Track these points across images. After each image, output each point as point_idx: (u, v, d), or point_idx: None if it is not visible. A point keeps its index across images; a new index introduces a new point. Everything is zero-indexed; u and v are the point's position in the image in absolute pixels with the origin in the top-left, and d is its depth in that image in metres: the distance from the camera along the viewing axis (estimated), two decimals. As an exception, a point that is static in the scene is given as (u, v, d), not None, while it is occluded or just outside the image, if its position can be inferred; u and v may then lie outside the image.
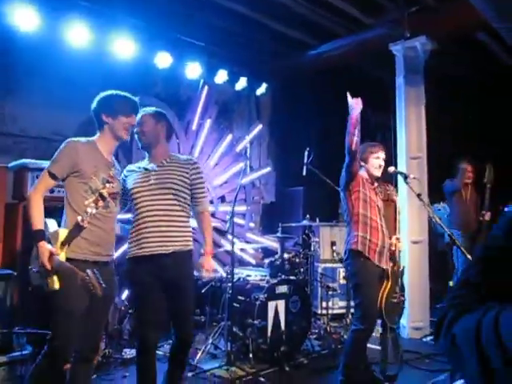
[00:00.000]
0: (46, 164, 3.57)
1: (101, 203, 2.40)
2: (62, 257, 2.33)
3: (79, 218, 2.34)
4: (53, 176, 2.43)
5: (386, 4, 4.85)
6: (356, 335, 3.20)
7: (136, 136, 2.88)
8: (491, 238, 0.88)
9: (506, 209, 0.87)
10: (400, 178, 4.50)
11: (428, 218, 4.92)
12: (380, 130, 6.97)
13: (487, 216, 5.22)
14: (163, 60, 4.95)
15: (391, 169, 3.44)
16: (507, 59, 6.04)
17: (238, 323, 3.97)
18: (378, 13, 5.02)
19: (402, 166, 4.97)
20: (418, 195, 3.29)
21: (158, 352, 4.06)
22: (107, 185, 2.41)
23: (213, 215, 5.66)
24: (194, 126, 5.64)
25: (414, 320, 4.87)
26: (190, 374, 3.64)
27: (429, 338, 4.79)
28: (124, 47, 4.61)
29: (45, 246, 2.29)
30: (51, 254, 2.28)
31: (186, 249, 2.79)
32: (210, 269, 2.87)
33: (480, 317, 0.74)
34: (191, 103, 5.65)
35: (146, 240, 2.70)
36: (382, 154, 3.37)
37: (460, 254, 5.27)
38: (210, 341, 4.09)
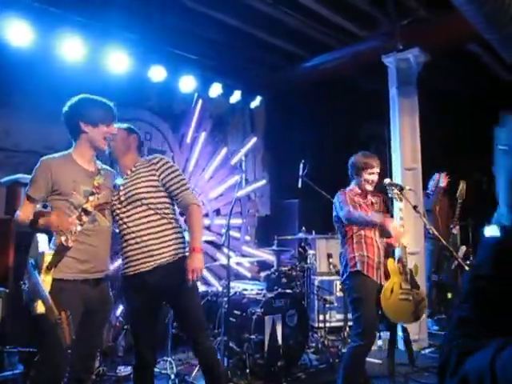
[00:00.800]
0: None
1: (85, 218, 2.28)
2: (48, 280, 2.20)
3: (63, 239, 2.22)
4: (32, 200, 2.35)
5: (379, 16, 4.89)
6: (355, 351, 3.15)
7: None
8: (477, 267, 0.85)
9: (484, 235, 0.83)
10: (395, 190, 4.49)
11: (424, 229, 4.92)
12: (374, 141, 6.99)
13: (455, 230, 5.44)
14: (157, 74, 4.95)
15: (387, 180, 3.42)
16: (499, 71, 6.10)
17: (234, 338, 3.92)
18: (371, 25, 5.06)
19: (397, 177, 4.96)
20: (415, 207, 3.27)
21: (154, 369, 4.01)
22: (90, 198, 2.28)
23: (208, 228, 5.62)
24: (188, 140, 5.64)
25: (411, 332, 4.81)
26: (185, 391, 3.57)
27: (427, 351, 4.74)
28: (118, 61, 4.61)
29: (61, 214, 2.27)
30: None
31: (173, 259, 2.60)
32: (197, 269, 2.51)
33: (492, 355, 0.70)
34: (185, 116, 5.65)
35: (129, 259, 2.61)
36: (377, 170, 3.33)
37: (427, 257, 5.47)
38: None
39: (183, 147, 5.60)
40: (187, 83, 5.28)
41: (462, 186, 5.27)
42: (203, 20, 4.73)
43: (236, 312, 4.03)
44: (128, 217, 2.59)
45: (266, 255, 5.63)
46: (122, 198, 2.60)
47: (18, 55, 4.07)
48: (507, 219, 0.81)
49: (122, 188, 2.62)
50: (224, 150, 6.01)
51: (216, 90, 5.56)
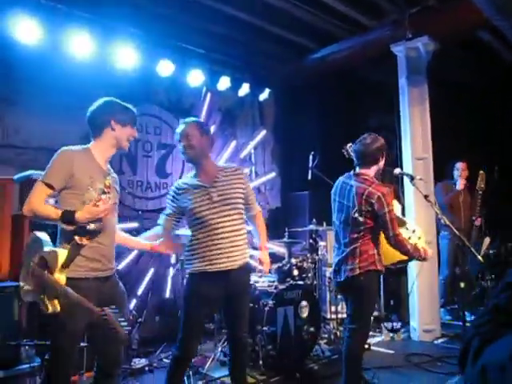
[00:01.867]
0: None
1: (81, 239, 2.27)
2: (62, 279, 2.19)
3: (76, 238, 2.22)
4: (49, 186, 2.28)
5: (387, 5, 4.84)
6: (351, 347, 3.03)
7: (181, 149, 2.81)
8: None
9: None
10: (406, 180, 4.47)
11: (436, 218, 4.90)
12: (384, 131, 6.93)
13: (478, 222, 5.39)
14: (165, 68, 4.96)
15: (397, 170, 3.40)
16: (510, 59, 6.00)
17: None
18: (379, 14, 5.01)
19: (407, 167, 4.93)
20: (425, 196, 3.26)
21: (166, 361, 4.06)
22: (103, 196, 2.26)
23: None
24: (197, 133, 5.64)
25: (424, 322, 4.82)
26: (200, 383, 3.62)
27: (440, 341, 4.74)
28: (126, 57, 4.62)
29: (83, 211, 2.19)
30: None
31: (247, 260, 2.86)
32: (268, 263, 3.03)
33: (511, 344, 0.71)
34: (194, 110, 5.65)
35: (215, 257, 2.69)
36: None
37: (443, 251, 5.48)
38: (220, 348, 4.06)
39: (193, 141, 5.61)
40: (195, 77, 5.28)
41: (482, 176, 5.20)
42: (210, 13, 4.72)
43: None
44: (219, 218, 2.71)
45: (277, 247, 5.63)
46: (216, 199, 2.73)
47: (27, 53, 4.10)
48: None
49: (213, 190, 2.74)
50: (233, 143, 6.01)
51: (224, 83, 5.56)
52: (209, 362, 3.89)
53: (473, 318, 5.18)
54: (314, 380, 3.77)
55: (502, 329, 0.75)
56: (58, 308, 2.16)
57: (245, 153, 6.08)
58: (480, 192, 5.29)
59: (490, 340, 0.75)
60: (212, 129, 5.79)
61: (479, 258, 3.17)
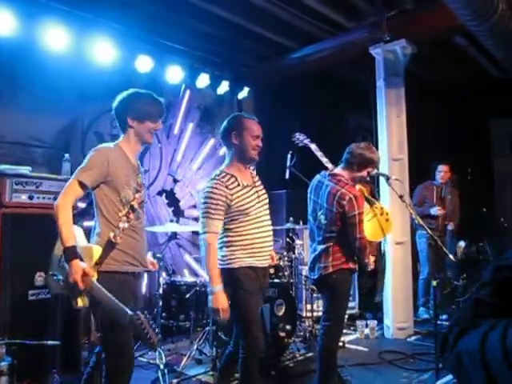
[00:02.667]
0: (24, 170, 3.54)
1: (132, 216, 2.34)
2: (95, 277, 2.22)
3: (111, 235, 2.27)
4: (83, 185, 2.30)
5: (366, 8, 4.90)
6: (325, 344, 3.08)
7: (256, 147, 2.80)
8: (504, 259, 0.88)
9: None
10: (382, 180, 4.54)
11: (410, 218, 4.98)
12: (361, 131, 7.03)
13: (450, 226, 5.52)
14: (144, 64, 4.91)
15: (373, 170, 3.45)
16: (486, 65, 6.16)
17: (223, 328, 3.94)
18: (358, 16, 5.07)
19: (383, 167, 5.00)
20: (401, 196, 3.31)
21: (141, 359, 4.03)
22: (136, 195, 2.36)
23: (196, 220, 5.62)
24: (176, 131, 5.62)
25: (398, 320, 4.90)
26: (175, 381, 3.60)
27: (413, 338, 4.83)
28: (104, 51, 4.56)
29: (78, 265, 2.17)
30: (85, 274, 2.16)
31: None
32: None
33: (486, 331, 0.74)
34: (173, 107, 5.62)
35: (262, 252, 2.73)
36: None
37: (423, 251, 5.52)
38: (195, 346, 4.05)
39: (171, 138, 5.58)
40: (174, 74, 5.24)
41: (453, 180, 5.39)
42: (190, 10, 4.69)
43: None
44: (264, 215, 2.80)
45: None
46: (262, 197, 2.84)
47: (1, 45, 4.01)
48: None
49: (255, 189, 2.82)
50: (212, 141, 6.00)
51: (204, 80, 5.53)
52: (184, 360, 3.88)
53: (445, 316, 5.30)
54: (290, 377, 3.80)
55: (479, 320, 0.78)
56: (87, 303, 2.20)
57: (223, 151, 6.07)
58: (449, 196, 5.46)
59: (467, 329, 0.79)
60: (190, 127, 5.77)
61: (451, 257, 3.24)
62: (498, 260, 0.90)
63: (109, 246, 2.28)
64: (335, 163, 3.36)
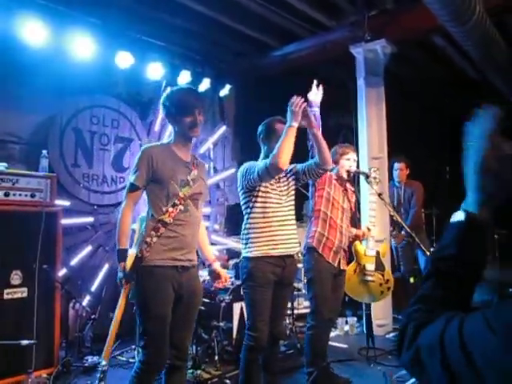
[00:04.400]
0: (0, 166, 3.48)
1: (175, 210, 2.42)
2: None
3: (135, 251, 2.39)
4: (136, 187, 2.45)
5: (347, 7, 4.93)
6: (309, 332, 3.23)
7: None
8: (440, 249, 0.89)
9: (451, 219, 0.90)
10: (362, 178, 4.58)
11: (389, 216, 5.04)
12: (342, 130, 7.08)
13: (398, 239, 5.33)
14: (124, 60, 4.85)
15: (352, 169, 3.49)
16: (464, 65, 6.25)
17: (203, 326, 3.94)
18: (339, 15, 5.10)
19: (363, 165, 5.05)
20: (379, 194, 3.36)
21: (121, 358, 4.00)
22: (183, 189, 2.44)
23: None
24: (156, 127, 5.57)
25: (377, 317, 4.95)
26: (154, 380, 3.57)
27: (391, 335, 4.89)
28: (83, 46, 4.48)
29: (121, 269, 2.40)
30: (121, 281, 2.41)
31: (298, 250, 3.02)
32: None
33: (441, 327, 0.75)
34: (153, 104, 5.56)
35: (279, 241, 2.81)
36: (353, 156, 3.42)
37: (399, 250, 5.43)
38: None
39: (151, 135, 5.52)
40: (155, 70, 5.19)
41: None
42: (171, 6, 4.66)
43: (204, 300, 4.03)
44: (287, 206, 2.91)
45: (235, 244, 5.65)
46: (284, 188, 2.94)
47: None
48: (473, 206, 0.87)
49: (282, 180, 2.94)
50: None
51: (185, 77, 5.49)
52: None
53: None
54: (270, 374, 3.80)
55: (432, 315, 0.79)
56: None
57: (204, 148, 6.05)
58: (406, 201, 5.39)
59: (421, 326, 0.79)
60: (171, 123, 5.73)
61: (428, 253, 3.30)
62: (435, 250, 0.92)
63: (137, 261, 2.38)
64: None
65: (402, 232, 5.18)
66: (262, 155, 3.03)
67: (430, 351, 0.75)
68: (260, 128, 3.09)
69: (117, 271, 2.46)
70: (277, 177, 2.86)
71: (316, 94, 3.11)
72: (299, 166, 2.99)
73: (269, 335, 2.84)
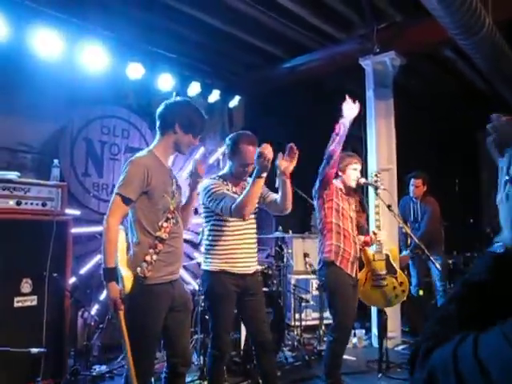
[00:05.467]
0: (11, 175, 3.51)
1: (170, 224, 2.37)
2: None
3: (128, 272, 2.26)
4: (128, 200, 2.28)
5: (356, 20, 4.97)
6: (330, 346, 3.22)
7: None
8: (471, 275, 0.88)
9: (490, 249, 0.90)
10: (370, 189, 4.57)
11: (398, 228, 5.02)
12: (351, 141, 7.07)
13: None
14: (135, 71, 4.91)
15: (362, 180, 3.49)
16: (474, 77, 6.25)
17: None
18: (349, 28, 5.14)
19: (372, 177, 5.04)
20: (389, 206, 3.35)
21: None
22: (172, 201, 2.38)
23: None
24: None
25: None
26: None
27: (400, 347, 4.84)
28: (95, 57, 4.55)
29: (115, 288, 2.23)
30: (115, 302, 2.22)
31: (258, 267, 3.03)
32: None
33: (455, 345, 0.73)
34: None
35: (237, 260, 2.81)
36: (358, 166, 3.42)
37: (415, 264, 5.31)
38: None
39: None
40: (165, 81, 5.25)
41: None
42: (182, 18, 4.72)
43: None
44: (250, 223, 2.89)
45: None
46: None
47: (-8, 49, 3.99)
48: (510, 241, 0.85)
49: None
50: (202, 149, 6.00)
51: (194, 88, 5.55)
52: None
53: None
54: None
55: (449, 336, 0.78)
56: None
57: (213, 159, 6.08)
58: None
59: (436, 345, 0.78)
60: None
61: (437, 266, 3.27)
62: (467, 275, 0.91)
63: (146, 262, 2.30)
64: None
65: (405, 252, 5.13)
66: (226, 169, 2.96)
67: (445, 370, 0.73)
68: (227, 142, 2.93)
69: None
70: None
71: (351, 109, 3.10)
72: (265, 192, 2.96)
73: (255, 345, 2.90)
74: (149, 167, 2.32)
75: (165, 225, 2.35)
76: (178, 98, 2.59)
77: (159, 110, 2.50)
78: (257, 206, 2.86)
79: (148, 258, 2.29)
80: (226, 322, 2.86)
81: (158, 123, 2.50)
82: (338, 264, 3.18)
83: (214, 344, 2.84)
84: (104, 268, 2.24)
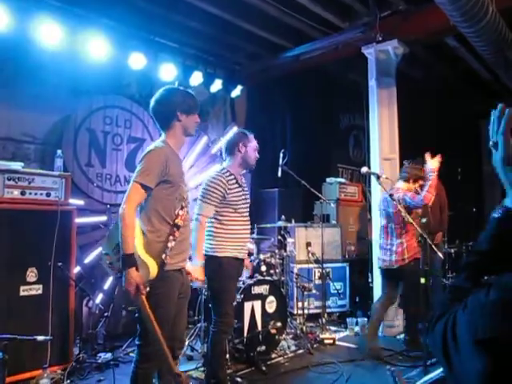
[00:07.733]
0: (16, 165, 3.54)
1: (185, 213, 2.45)
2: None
3: (163, 257, 2.33)
4: (148, 189, 2.33)
5: (359, 8, 4.94)
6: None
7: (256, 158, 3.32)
8: (477, 243, 0.90)
9: (493, 214, 0.90)
10: (373, 178, 4.58)
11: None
12: (354, 130, 7.08)
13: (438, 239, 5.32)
14: (137, 61, 4.90)
15: (364, 169, 3.51)
16: (475, 65, 6.22)
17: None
18: (352, 16, 5.10)
19: (375, 166, 5.05)
20: (391, 195, 3.36)
21: (133, 355, 4.03)
22: (185, 189, 2.50)
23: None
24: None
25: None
26: (166, 377, 3.61)
27: (402, 336, 4.87)
28: (97, 47, 4.54)
29: (135, 274, 2.23)
30: (138, 288, 2.22)
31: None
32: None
33: (450, 315, 0.78)
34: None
35: (243, 245, 3.21)
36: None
37: None
38: (187, 342, 4.07)
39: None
40: (168, 71, 5.24)
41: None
42: (184, 8, 4.70)
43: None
44: (247, 212, 3.25)
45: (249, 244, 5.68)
46: (248, 199, 3.29)
47: (-6, 40, 3.99)
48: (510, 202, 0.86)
49: (245, 190, 3.30)
50: (204, 139, 6.01)
51: (197, 78, 5.54)
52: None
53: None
54: (280, 373, 3.83)
55: (451, 305, 0.81)
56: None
57: (216, 148, 6.09)
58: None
59: (443, 314, 0.83)
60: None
61: (440, 254, 3.29)
62: (474, 244, 0.94)
63: (168, 249, 2.36)
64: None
65: None
66: (225, 163, 3.30)
67: (443, 337, 0.78)
68: (231, 137, 3.35)
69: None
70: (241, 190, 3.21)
71: (434, 162, 3.81)
72: None
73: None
74: (167, 157, 2.39)
75: (180, 213, 2.42)
76: (165, 90, 2.61)
77: (153, 110, 2.57)
78: (248, 200, 3.29)
79: (169, 244, 2.36)
80: (232, 301, 3.28)
81: (158, 123, 2.57)
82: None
83: (221, 321, 3.12)
84: (123, 254, 2.25)
